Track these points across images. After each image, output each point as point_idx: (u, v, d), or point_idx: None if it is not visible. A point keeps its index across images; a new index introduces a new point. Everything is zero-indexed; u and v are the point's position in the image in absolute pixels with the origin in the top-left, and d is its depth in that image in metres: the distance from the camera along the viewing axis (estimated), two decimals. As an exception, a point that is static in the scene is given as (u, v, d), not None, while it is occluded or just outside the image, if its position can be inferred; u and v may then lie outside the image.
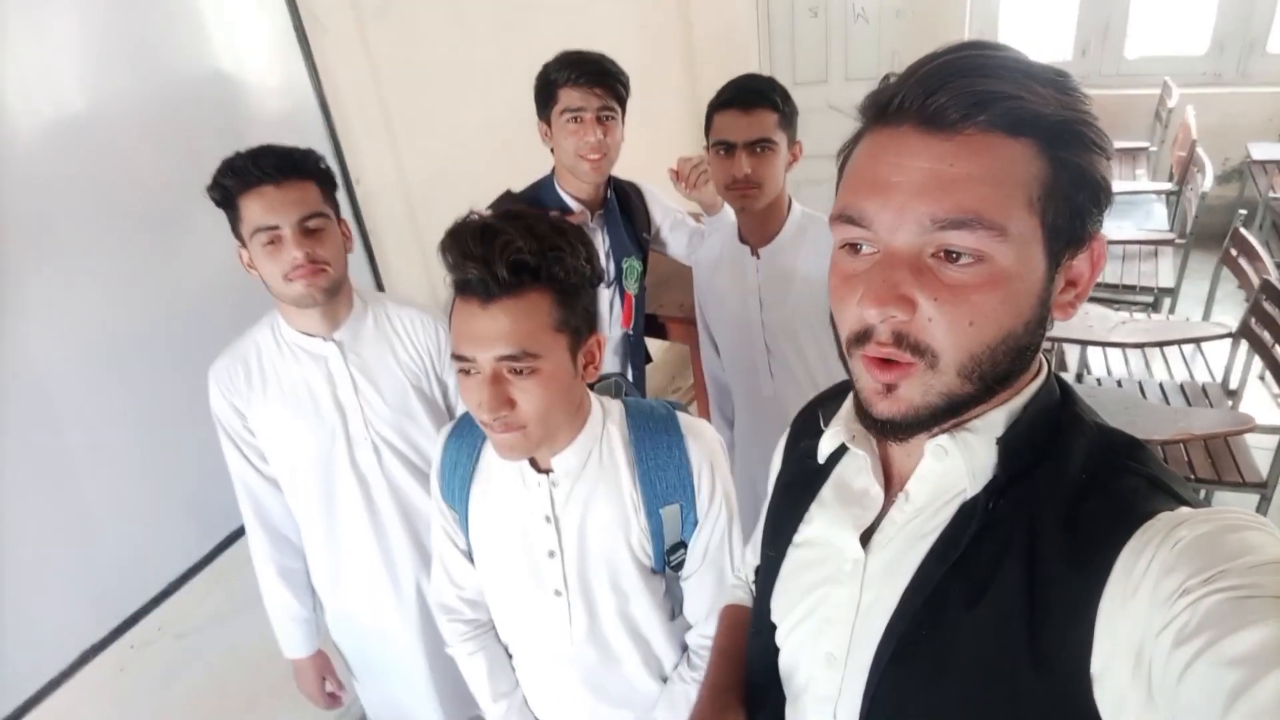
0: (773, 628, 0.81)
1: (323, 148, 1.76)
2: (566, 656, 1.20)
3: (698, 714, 0.88)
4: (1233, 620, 0.46)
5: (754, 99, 1.62)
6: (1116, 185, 2.68)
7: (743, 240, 1.78)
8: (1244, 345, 2.44)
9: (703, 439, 1.15)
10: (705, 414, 2.16)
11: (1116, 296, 3.18)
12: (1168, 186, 3.70)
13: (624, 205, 1.97)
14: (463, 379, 1.00)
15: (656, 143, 3.09)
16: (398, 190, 2.28)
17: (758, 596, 0.85)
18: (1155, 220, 3.57)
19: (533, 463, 1.12)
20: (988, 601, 0.60)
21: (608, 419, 1.14)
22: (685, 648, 1.25)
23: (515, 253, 0.94)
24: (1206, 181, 3.13)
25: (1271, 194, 3.67)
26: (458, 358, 0.99)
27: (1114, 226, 3.38)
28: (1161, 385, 2.54)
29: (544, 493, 1.12)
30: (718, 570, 1.18)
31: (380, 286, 2.21)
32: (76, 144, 1.52)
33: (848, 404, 0.72)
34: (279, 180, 1.30)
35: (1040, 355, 0.65)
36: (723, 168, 1.66)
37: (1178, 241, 3.28)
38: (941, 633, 0.62)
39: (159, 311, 1.67)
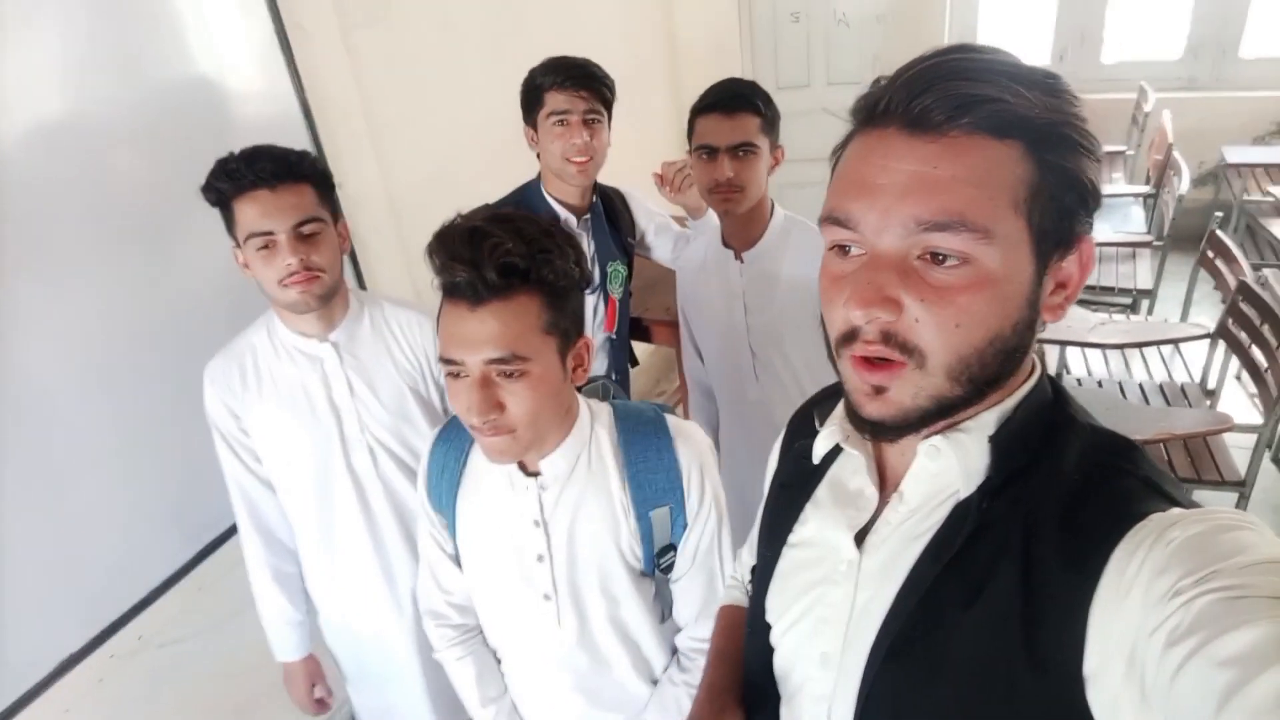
0: (768, 628, 0.81)
1: (305, 152, 1.75)
2: (556, 660, 1.19)
3: (695, 714, 0.88)
4: (1225, 620, 0.46)
5: (736, 103, 1.62)
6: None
7: (726, 245, 1.79)
8: (1221, 345, 2.47)
9: (692, 441, 1.15)
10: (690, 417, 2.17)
11: (1095, 298, 3.22)
12: (1145, 190, 3.75)
13: (609, 210, 1.97)
14: (451, 382, 1.00)
15: (641, 147, 3.09)
16: (382, 196, 2.26)
17: (753, 596, 0.85)
18: (1133, 223, 3.62)
19: (521, 466, 1.11)
20: (982, 602, 0.60)
21: (596, 422, 1.14)
22: (675, 650, 1.25)
23: (504, 255, 0.93)
24: (1183, 184, 3.17)
25: (1246, 196, 3.74)
26: (446, 361, 0.98)
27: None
28: (1141, 386, 2.57)
29: (533, 496, 1.11)
30: (708, 573, 1.18)
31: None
32: (59, 151, 1.50)
33: (841, 405, 0.72)
34: (274, 184, 1.27)
35: (1033, 357, 0.65)
36: (705, 171, 1.66)
37: (1155, 244, 3.33)
38: (936, 633, 0.62)
39: (142, 318, 1.65)
